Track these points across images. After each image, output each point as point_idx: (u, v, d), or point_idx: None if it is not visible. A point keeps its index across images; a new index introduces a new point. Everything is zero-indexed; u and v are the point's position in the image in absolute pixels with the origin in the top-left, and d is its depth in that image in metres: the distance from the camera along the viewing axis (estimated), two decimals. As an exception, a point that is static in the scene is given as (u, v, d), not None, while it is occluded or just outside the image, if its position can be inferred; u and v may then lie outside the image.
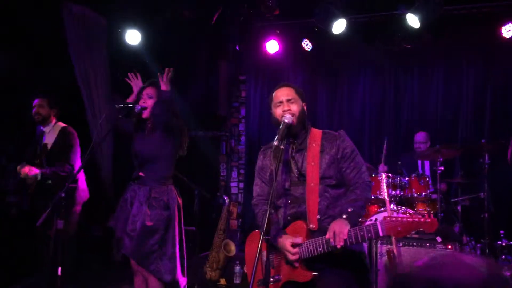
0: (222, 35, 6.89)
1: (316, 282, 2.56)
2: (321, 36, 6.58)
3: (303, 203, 2.66)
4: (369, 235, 2.40)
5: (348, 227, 2.45)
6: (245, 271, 2.91)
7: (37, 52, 5.69)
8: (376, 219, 2.43)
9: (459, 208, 5.73)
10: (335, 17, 5.80)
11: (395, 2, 5.92)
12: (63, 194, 3.18)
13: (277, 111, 2.78)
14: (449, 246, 4.41)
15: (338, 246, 2.41)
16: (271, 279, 2.63)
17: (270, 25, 6.84)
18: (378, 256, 4.45)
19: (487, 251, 5.31)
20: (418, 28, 5.91)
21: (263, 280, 2.52)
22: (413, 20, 5.61)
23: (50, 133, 4.71)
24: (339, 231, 2.42)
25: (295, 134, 2.77)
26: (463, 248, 5.37)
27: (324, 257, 2.53)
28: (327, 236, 2.47)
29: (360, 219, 2.58)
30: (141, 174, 3.56)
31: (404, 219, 2.26)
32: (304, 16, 6.50)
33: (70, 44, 5.81)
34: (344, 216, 2.53)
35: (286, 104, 2.76)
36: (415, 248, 4.44)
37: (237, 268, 5.30)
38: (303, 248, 2.58)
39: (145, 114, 3.59)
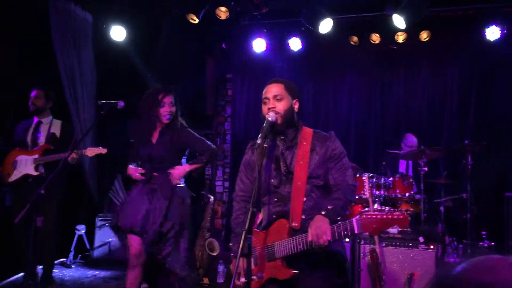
0: (209, 33, 6.86)
1: (297, 282, 2.55)
2: (308, 35, 6.60)
3: (289, 202, 2.63)
4: (346, 232, 2.39)
5: (328, 224, 2.43)
6: (231, 268, 2.92)
7: (22, 47, 5.61)
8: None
9: (442, 208, 5.78)
10: (322, 16, 5.80)
11: (381, 2, 5.94)
12: (42, 191, 3.13)
13: (264, 108, 2.75)
14: (431, 247, 4.44)
15: (323, 246, 2.41)
16: (254, 277, 2.63)
17: (257, 24, 6.82)
18: (361, 256, 4.47)
19: (469, 251, 5.36)
20: (404, 29, 5.94)
21: (245, 277, 2.53)
22: (399, 21, 5.63)
23: (52, 126, 4.83)
24: (322, 232, 2.41)
25: (281, 131, 2.73)
26: (446, 248, 5.42)
27: (304, 256, 2.53)
28: (309, 238, 2.45)
29: (339, 218, 2.54)
30: (155, 174, 3.75)
31: (379, 216, 2.29)
32: (292, 15, 6.49)
33: (55, 39, 5.75)
34: (323, 213, 2.50)
35: (271, 102, 2.71)
36: (398, 248, 4.46)
37: (221, 267, 5.27)
38: (283, 246, 2.57)
39: (165, 120, 3.80)
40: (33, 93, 4.82)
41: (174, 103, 3.83)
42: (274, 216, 2.68)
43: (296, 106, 2.79)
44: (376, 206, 5.30)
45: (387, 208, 5.20)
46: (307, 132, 2.77)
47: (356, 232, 2.37)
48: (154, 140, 3.82)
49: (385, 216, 2.32)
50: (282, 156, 2.72)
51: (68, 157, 4.43)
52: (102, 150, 4.28)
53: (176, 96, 3.88)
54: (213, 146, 3.96)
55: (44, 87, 4.89)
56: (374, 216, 2.32)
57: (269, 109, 2.70)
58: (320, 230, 2.41)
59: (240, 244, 2.37)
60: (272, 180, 2.71)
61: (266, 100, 2.74)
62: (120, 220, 3.69)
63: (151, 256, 3.71)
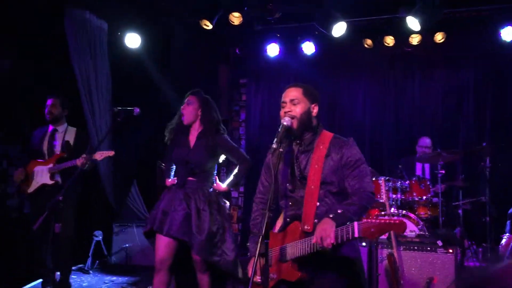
0: (223, 38, 6.89)
1: (307, 285, 2.57)
2: (322, 39, 6.58)
3: (302, 206, 2.63)
4: (348, 235, 2.37)
5: (334, 227, 2.40)
6: (248, 269, 2.95)
7: (39, 56, 5.70)
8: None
9: (460, 212, 5.70)
10: (335, 20, 5.78)
11: (395, 5, 5.91)
12: (60, 198, 3.16)
13: (281, 112, 2.73)
14: (450, 250, 4.38)
15: (326, 247, 2.39)
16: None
17: (270, 29, 6.83)
18: (379, 260, 4.42)
19: (488, 255, 5.27)
20: (418, 31, 5.90)
21: (261, 276, 2.53)
22: (413, 23, 5.59)
23: (67, 133, 4.88)
24: (326, 235, 2.39)
25: (297, 135, 2.72)
26: (465, 252, 5.34)
27: (315, 260, 2.52)
28: (313, 240, 2.45)
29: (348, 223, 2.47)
30: (190, 179, 3.74)
31: (377, 221, 2.33)
32: (305, 19, 6.49)
33: (71, 47, 5.82)
34: (330, 216, 2.47)
35: (288, 106, 2.70)
36: (416, 252, 4.41)
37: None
38: (294, 248, 2.58)
39: (186, 120, 3.78)
40: (49, 102, 4.87)
41: (199, 105, 3.80)
42: (288, 219, 2.71)
43: (315, 111, 2.77)
44: (392, 210, 5.26)
45: (411, 214, 5.18)
46: (326, 136, 2.74)
47: (356, 235, 2.35)
48: (191, 143, 3.81)
49: (382, 221, 2.33)
50: (297, 161, 2.71)
51: (77, 162, 4.50)
52: (109, 153, 4.30)
53: (206, 100, 3.85)
54: (248, 157, 3.93)
55: (59, 95, 4.94)
56: (373, 221, 2.34)
57: (285, 113, 2.70)
58: (325, 232, 2.40)
59: (257, 248, 2.39)
60: (288, 185, 2.71)
61: (284, 104, 2.74)
62: (155, 225, 3.64)
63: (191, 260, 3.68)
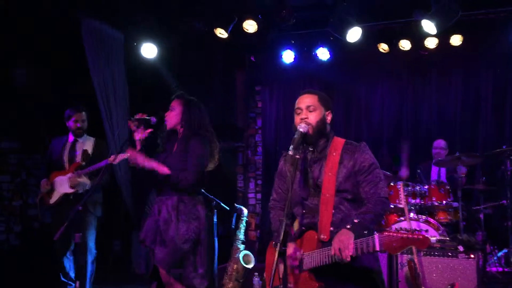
0: (238, 46, 6.92)
1: None
2: (337, 45, 6.57)
3: (317, 214, 2.62)
4: (368, 248, 2.36)
5: (352, 239, 2.40)
6: (264, 277, 2.94)
7: (57, 66, 5.80)
8: (375, 232, 2.39)
9: (481, 216, 5.60)
10: (350, 25, 5.77)
11: (410, 8, 5.87)
12: (80, 208, 3.20)
13: (296, 119, 2.73)
14: (472, 256, 4.31)
15: (346, 262, 2.39)
16: (281, 286, 2.62)
17: (285, 35, 6.84)
18: (399, 267, 4.37)
19: (511, 260, 5.18)
20: (434, 34, 5.85)
21: (279, 287, 2.54)
22: (429, 27, 5.55)
23: (86, 143, 4.93)
24: (344, 247, 2.38)
25: (312, 143, 2.72)
26: (487, 257, 5.25)
27: (333, 270, 2.50)
28: (332, 252, 2.44)
29: (366, 232, 2.49)
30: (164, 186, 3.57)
31: (399, 235, 2.28)
32: (319, 25, 6.49)
33: (89, 58, 5.91)
34: (348, 226, 2.47)
35: (304, 112, 2.70)
36: (437, 257, 4.35)
37: (256, 279, 5.25)
38: (311, 258, 2.56)
39: (168, 126, 3.64)
40: (76, 116, 4.86)
41: (181, 109, 3.61)
42: (303, 228, 2.69)
43: (329, 118, 2.77)
44: (412, 215, 5.20)
45: (431, 219, 5.10)
46: (338, 142, 2.74)
47: (377, 249, 2.32)
48: (174, 149, 3.62)
49: (405, 236, 2.28)
50: (310, 169, 2.71)
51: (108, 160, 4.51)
52: (125, 155, 4.18)
53: (188, 103, 3.66)
54: (193, 178, 3.47)
55: (85, 108, 4.99)
56: (395, 235, 2.30)
57: (301, 119, 2.69)
58: (343, 244, 2.39)
59: (275, 256, 2.38)
60: (301, 192, 2.71)
61: (299, 111, 2.73)
62: (140, 234, 3.56)
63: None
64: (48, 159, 4.97)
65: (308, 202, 2.69)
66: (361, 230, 2.45)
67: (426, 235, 2.31)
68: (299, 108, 2.74)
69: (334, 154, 2.68)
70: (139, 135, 3.57)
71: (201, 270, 3.47)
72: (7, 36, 5.48)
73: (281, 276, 2.60)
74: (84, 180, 4.66)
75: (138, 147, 3.54)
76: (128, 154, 3.67)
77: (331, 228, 2.56)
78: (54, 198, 4.74)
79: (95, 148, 4.92)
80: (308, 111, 2.70)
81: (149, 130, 3.61)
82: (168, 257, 3.37)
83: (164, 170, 3.42)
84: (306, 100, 2.74)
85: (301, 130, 2.65)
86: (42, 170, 4.99)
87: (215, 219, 5.34)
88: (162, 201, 3.53)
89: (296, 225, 2.80)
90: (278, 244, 2.41)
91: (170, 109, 3.65)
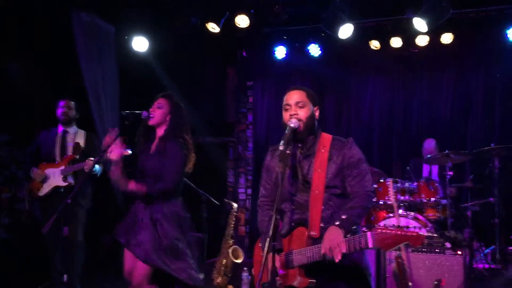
0: (229, 41, 6.90)
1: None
2: (329, 41, 6.58)
3: (307, 210, 2.64)
4: (360, 245, 2.39)
5: (342, 236, 2.43)
6: (253, 273, 2.97)
7: (46, 59, 5.74)
8: (366, 230, 2.42)
9: (469, 213, 5.66)
10: (342, 22, 5.78)
11: (402, 6, 5.89)
12: (69, 201, 3.18)
13: (285, 115, 2.74)
14: (459, 252, 4.35)
15: (337, 261, 2.41)
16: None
17: (277, 31, 6.84)
18: (387, 263, 4.41)
19: (498, 257, 5.24)
20: (426, 32, 5.88)
21: (268, 283, 2.49)
22: (420, 24, 5.57)
23: (77, 136, 4.89)
24: (335, 244, 2.41)
25: (301, 139, 2.74)
26: (474, 254, 5.31)
27: (324, 267, 2.52)
28: (322, 250, 2.47)
29: (354, 227, 2.57)
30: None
31: (393, 232, 2.31)
32: (311, 21, 6.50)
33: (79, 50, 5.86)
34: (336, 223, 2.49)
35: (293, 109, 2.71)
36: (424, 254, 4.38)
37: (245, 274, 5.27)
38: (301, 255, 2.58)
39: (151, 122, 3.55)
40: (63, 103, 4.86)
41: (169, 110, 3.55)
42: (293, 224, 2.70)
43: (317, 114, 2.80)
44: (400, 211, 5.23)
45: (420, 216, 5.15)
46: (325, 138, 2.77)
47: (370, 246, 2.36)
48: (151, 150, 3.55)
49: (399, 233, 2.32)
50: (299, 165, 2.73)
51: (85, 166, 4.50)
52: (126, 152, 4.09)
53: (177, 106, 3.61)
54: (171, 185, 3.44)
55: (73, 98, 4.96)
56: (389, 232, 2.33)
57: (291, 115, 2.70)
58: (333, 243, 2.42)
59: (264, 251, 2.40)
60: (289, 188, 2.72)
61: (288, 107, 2.75)
62: (119, 236, 3.46)
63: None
64: (35, 151, 4.91)
65: (298, 198, 2.70)
66: (350, 226, 2.48)
67: (420, 232, 2.34)
68: (288, 105, 2.75)
69: (322, 150, 2.70)
70: (115, 154, 3.40)
71: (191, 265, 3.45)
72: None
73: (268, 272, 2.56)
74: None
75: (118, 170, 3.42)
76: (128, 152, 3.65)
77: (321, 224, 2.58)
78: (44, 190, 4.71)
79: (87, 141, 4.90)
80: (298, 107, 2.72)
81: (127, 151, 3.50)
82: (152, 251, 3.34)
83: (143, 190, 3.39)
84: (294, 96, 2.75)
85: (292, 125, 2.66)
86: (28, 161, 4.95)
87: (205, 214, 5.36)
88: (139, 204, 3.48)
89: (284, 222, 2.79)
90: (267, 239, 2.40)
91: (158, 106, 3.57)
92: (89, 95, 5.95)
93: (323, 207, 2.62)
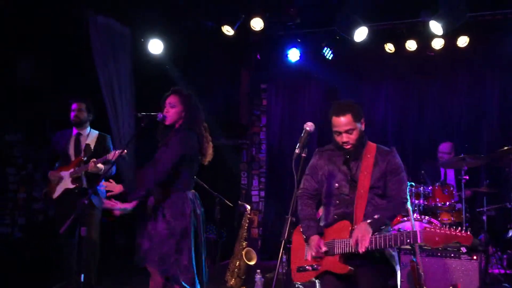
0: (244, 44, 6.93)
1: (353, 277, 2.81)
2: (343, 44, 6.56)
3: (351, 206, 2.90)
4: (408, 240, 2.64)
5: (370, 232, 2.72)
6: (291, 258, 3.18)
7: (63, 61, 5.82)
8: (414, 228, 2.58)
9: (484, 218, 5.60)
10: (357, 25, 5.77)
11: (417, 9, 5.86)
12: (86, 201, 3.22)
13: (337, 139, 2.98)
14: (475, 257, 4.32)
15: (360, 252, 2.69)
16: (310, 267, 2.92)
17: (291, 34, 6.84)
18: (401, 266, 4.38)
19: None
20: (441, 35, 5.84)
21: (301, 267, 2.95)
22: (436, 27, 5.54)
23: (89, 137, 4.93)
24: (362, 238, 2.70)
25: (354, 153, 2.98)
26: (489, 259, 5.26)
27: (361, 255, 2.74)
28: (351, 242, 2.74)
29: (383, 227, 2.86)
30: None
31: (443, 230, 2.50)
32: (326, 24, 6.49)
33: (95, 53, 5.93)
34: (368, 221, 2.76)
35: (345, 136, 2.93)
36: (439, 258, 4.35)
37: (258, 276, 5.27)
38: (343, 244, 2.81)
39: (167, 122, 3.58)
40: (75, 106, 4.91)
41: (183, 107, 3.56)
42: (335, 216, 2.96)
43: (363, 126, 3.02)
44: (415, 215, 5.20)
45: (434, 220, 5.12)
46: (371, 146, 3.03)
47: (418, 242, 2.60)
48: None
49: (448, 232, 2.54)
50: (348, 166, 2.99)
51: (88, 167, 4.54)
52: (122, 152, 4.07)
53: (189, 99, 3.63)
54: (156, 182, 3.43)
55: (85, 100, 4.99)
56: (438, 231, 2.55)
57: (343, 143, 2.93)
58: (360, 237, 2.72)
59: (280, 253, 2.64)
60: (337, 184, 2.98)
61: (338, 133, 2.96)
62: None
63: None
64: (52, 152, 4.98)
65: (344, 195, 2.95)
66: (379, 225, 2.77)
67: (469, 234, 2.50)
68: (338, 132, 2.95)
69: (368, 156, 2.98)
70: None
71: (185, 270, 3.41)
72: (13, 31, 5.50)
73: (307, 258, 2.93)
74: (99, 168, 4.59)
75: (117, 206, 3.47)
76: (125, 151, 3.66)
77: (364, 220, 2.85)
78: (57, 193, 4.78)
79: (97, 142, 4.92)
80: (349, 134, 2.94)
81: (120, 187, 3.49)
82: (153, 251, 3.39)
83: (141, 193, 3.45)
84: (343, 123, 2.92)
85: (307, 129, 2.83)
86: (45, 163, 5.01)
87: (218, 216, 5.37)
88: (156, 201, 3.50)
89: (323, 212, 3.09)
90: (283, 241, 2.63)
91: (170, 105, 3.58)
92: (105, 97, 6.01)
93: (366, 205, 2.87)
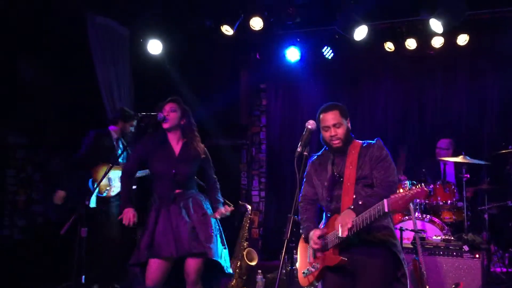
0: (243, 43, 6.91)
1: (355, 271, 2.84)
2: (342, 43, 6.54)
3: (340, 200, 2.95)
4: (379, 213, 2.62)
5: (353, 217, 2.73)
6: (297, 266, 3.31)
7: (61, 62, 5.79)
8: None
9: (486, 216, 5.58)
10: (357, 23, 5.76)
11: (417, 7, 5.85)
12: (87, 202, 3.20)
13: (325, 135, 3.06)
14: (477, 255, 4.31)
15: (343, 235, 2.71)
16: (313, 268, 2.96)
17: (291, 33, 6.83)
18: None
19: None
20: (441, 34, 5.83)
21: (305, 270, 3.01)
22: (436, 25, 5.53)
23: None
24: (343, 223, 2.73)
25: (343, 151, 3.06)
26: (491, 257, 5.25)
27: (358, 245, 2.82)
28: (335, 230, 2.79)
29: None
30: (178, 191, 3.65)
31: (402, 194, 2.58)
32: (325, 23, 6.47)
33: (94, 54, 5.91)
34: (351, 207, 2.79)
35: (333, 130, 3.02)
36: (442, 257, 4.34)
37: (259, 277, 5.26)
38: (333, 236, 2.86)
39: (167, 125, 3.65)
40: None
41: (182, 114, 3.73)
42: (329, 214, 3.04)
43: (349, 124, 3.12)
44: (416, 214, 5.19)
45: (436, 219, 5.12)
46: (356, 143, 3.09)
47: (386, 210, 2.60)
48: (176, 154, 3.71)
49: (406, 193, 2.58)
50: (334, 164, 3.07)
51: None
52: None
53: (186, 109, 3.78)
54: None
55: (134, 116, 5.18)
56: (397, 195, 2.59)
57: (331, 136, 3.02)
58: (343, 221, 2.74)
59: (283, 252, 2.76)
60: (326, 183, 3.05)
61: (327, 128, 3.05)
62: (152, 252, 3.53)
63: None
64: (90, 151, 5.08)
65: (333, 192, 3.02)
66: (363, 209, 2.75)
67: (424, 187, 2.59)
68: (326, 126, 3.04)
69: (353, 152, 3.03)
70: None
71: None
72: (13, 32, 5.48)
73: (308, 260, 3.01)
74: None
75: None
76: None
77: None
78: (116, 191, 4.98)
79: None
80: (336, 128, 3.03)
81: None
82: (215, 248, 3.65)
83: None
84: (331, 117, 3.04)
85: (309, 127, 2.91)
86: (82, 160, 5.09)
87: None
88: (184, 207, 3.68)
89: (325, 213, 3.15)
90: (285, 240, 2.73)
91: (171, 109, 3.70)
92: (104, 97, 5.98)
93: (354, 197, 2.90)
